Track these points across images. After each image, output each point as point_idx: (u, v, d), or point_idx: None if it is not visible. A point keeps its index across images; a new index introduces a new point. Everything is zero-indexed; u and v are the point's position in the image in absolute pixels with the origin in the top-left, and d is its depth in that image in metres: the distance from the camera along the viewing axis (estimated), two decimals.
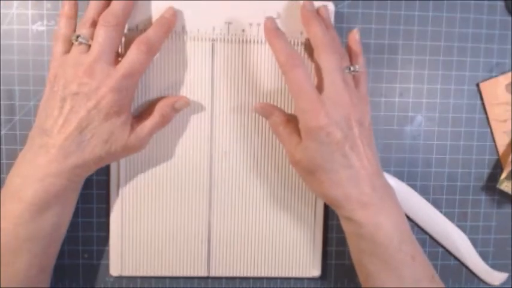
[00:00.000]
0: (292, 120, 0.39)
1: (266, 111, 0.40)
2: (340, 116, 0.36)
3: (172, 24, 0.40)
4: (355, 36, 0.40)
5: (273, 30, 0.38)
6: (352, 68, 0.38)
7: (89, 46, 0.37)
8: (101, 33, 0.36)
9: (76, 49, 0.37)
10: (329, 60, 0.37)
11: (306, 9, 0.39)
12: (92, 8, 0.38)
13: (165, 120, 0.40)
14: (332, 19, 0.42)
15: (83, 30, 0.37)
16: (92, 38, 0.37)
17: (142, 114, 0.40)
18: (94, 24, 0.37)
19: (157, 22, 0.39)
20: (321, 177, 0.36)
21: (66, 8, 0.39)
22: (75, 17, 0.39)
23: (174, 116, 0.41)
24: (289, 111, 0.42)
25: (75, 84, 0.35)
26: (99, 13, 0.37)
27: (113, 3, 0.37)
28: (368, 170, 0.36)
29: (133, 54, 0.37)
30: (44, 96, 0.37)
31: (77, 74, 0.35)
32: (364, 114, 0.38)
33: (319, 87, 0.37)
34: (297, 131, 0.38)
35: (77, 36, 0.37)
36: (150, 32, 0.38)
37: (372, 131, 0.39)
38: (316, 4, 0.41)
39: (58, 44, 0.38)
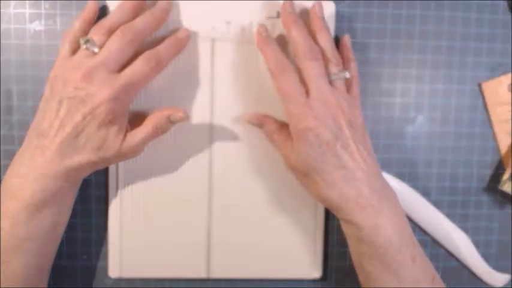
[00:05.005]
0: (285, 127, 0.40)
1: (259, 120, 0.41)
2: (328, 118, 0.36)
3: (184, 44, 0.40)
4: (345, 42, 0.41)
5: (264, 37, 0.39)
6: (341, 75, 0.38)
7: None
8: (113, 42, 0.36)
9: (82, 52, 0.36)
10: (310, 67, 0.37)
11: (286, 11, 0.39)
12: (114, 15, 0.37)
13: (159, 132, 0.39)
14: (333, 19, 0.42)
15: (96, 36, 0.36)
16: (101, 46, 0.36)
17: (137, 121, 0.39)
18: (109, 33, 0.36)
19: (171, 40, 0.39)
20: (315, 178, 0.36)
21: (86, 11, 0.38)
22: (92, 22, 0.38)
23: (171, 128, 0.39)
24: None
25: (71, 87, 0.35)
26: (120, 23, 0.37)
27: (138, 19, 0.37)
28: (365, 170, 0.36)
29: (139, 66, 0.36)
30: (44, 96, 0.37)
31: (75, 77, 0.35)
32: (355, 117, 0.38)
33: (307, 92, 0.37)
34: (291, 136, 0.38)
35: (86, 40, 0.36)
36: (162, 49, 0.38)
37: (365, 132, 0.39)
38: (313, 2, 0.40)
39: (65, 44, 0.37)
